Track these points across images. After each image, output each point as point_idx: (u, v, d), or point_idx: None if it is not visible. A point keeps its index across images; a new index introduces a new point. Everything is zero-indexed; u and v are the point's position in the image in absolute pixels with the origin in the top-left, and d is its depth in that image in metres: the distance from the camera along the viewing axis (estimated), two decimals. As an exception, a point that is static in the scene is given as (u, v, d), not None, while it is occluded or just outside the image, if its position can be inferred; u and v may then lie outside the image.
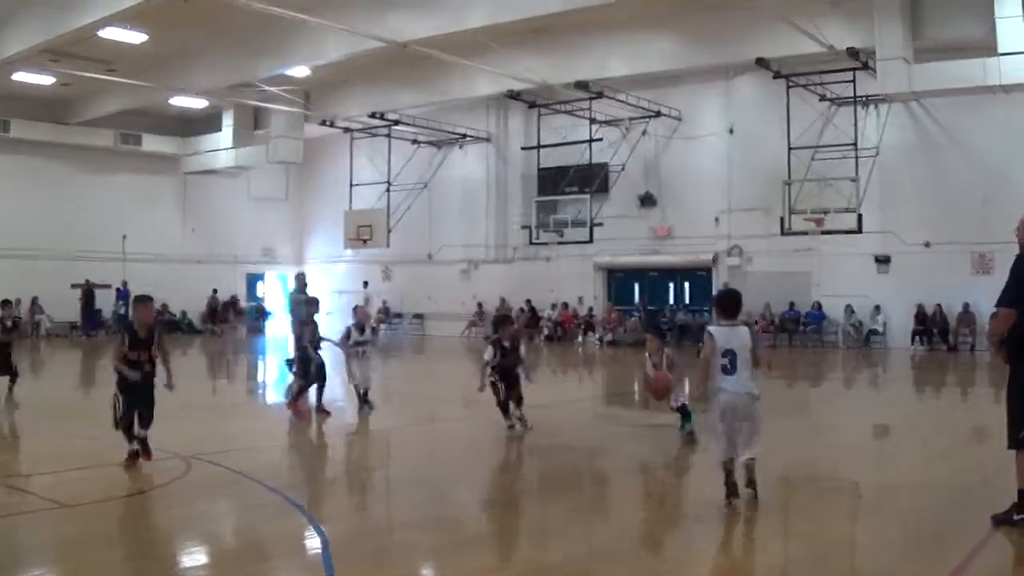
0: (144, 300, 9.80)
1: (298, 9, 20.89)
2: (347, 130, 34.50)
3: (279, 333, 36.98)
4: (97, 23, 22.04)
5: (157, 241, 36.39)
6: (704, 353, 7.73)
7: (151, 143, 35.94)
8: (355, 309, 15.44)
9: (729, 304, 7.96)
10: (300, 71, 28.58)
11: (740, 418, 7.58)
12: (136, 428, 9.44)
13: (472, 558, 6.77)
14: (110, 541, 7.22)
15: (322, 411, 13.73)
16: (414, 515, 8.11)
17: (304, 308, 15.05)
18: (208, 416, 14.01)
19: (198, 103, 33.11)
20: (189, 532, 7.50)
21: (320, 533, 7.19)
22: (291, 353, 15.53)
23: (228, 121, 34.66)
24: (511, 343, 11.88)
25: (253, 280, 40.66)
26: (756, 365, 7.75)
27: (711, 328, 7.75)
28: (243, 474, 9.17)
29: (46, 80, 29.38)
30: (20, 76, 28.51)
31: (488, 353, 11.83)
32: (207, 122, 35.63)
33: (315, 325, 14.48)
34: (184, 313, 36.11)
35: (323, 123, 33.33)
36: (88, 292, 34.07)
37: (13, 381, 15.06)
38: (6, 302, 15.40)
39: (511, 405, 11.75)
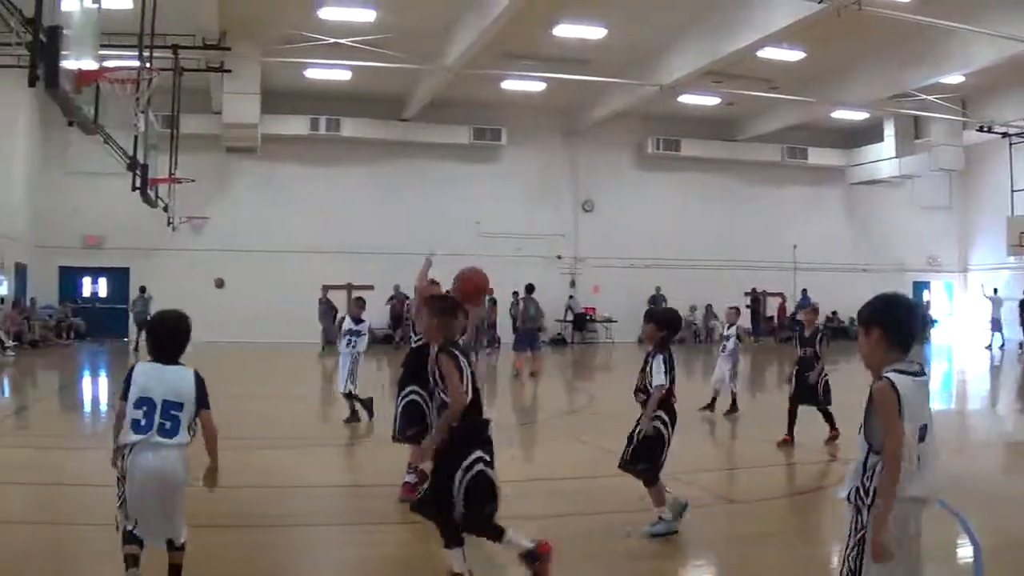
0: None
1: (947, 17, 21.23)
2: (1005, 135, 33.66)
3: (945, 342, 37.27)
4: (755, 44, 23.18)
5: (825, 250, 37.78)
6: (892, 424, 3.85)
7: (816, 156, 37.72)
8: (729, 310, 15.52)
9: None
10: (954, 78, 28.51)
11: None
12: None
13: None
14: (773, 537, 7.65)
15: None
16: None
17: None
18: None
19: (859, 115, 34.25)
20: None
21: (974, 543, 7.02)
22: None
23: (889, 131, 35.30)
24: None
25: (919, 289, 41.16)
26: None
27: (895, 377, 3.91)
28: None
29: (711, 100, 31.91)
30: (686, 98, 31.14)
31: (659, 371, 7.19)
32: (869, 133, 36.63)
33: None
34: (852, 320, 37.53)
35: (980, 129, 32.78)
36: (755, 300, 36.49)
37: None
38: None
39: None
